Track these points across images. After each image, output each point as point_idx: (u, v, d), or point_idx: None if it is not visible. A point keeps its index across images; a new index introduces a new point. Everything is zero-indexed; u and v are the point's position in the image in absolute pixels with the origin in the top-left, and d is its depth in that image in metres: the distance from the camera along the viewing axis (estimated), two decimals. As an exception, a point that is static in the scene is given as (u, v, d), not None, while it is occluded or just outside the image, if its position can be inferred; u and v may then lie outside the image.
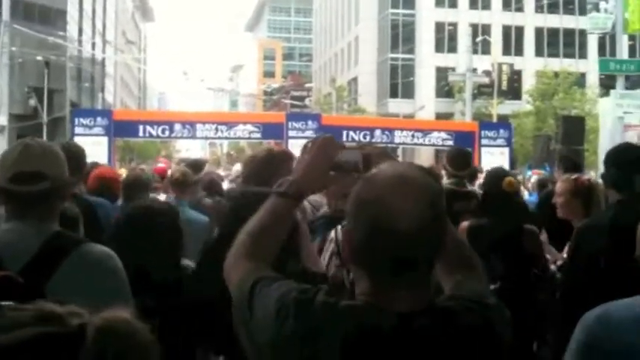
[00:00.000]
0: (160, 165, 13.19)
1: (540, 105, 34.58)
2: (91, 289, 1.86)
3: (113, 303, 1.82)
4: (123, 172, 16.03)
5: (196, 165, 6.46)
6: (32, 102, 35.38)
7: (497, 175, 4.73)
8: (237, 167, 8.88)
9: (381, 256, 1.28)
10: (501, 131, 19.89)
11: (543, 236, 4.39)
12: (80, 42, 53.54)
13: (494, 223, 4.08)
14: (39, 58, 36.76)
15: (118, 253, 2.10)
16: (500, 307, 1.43)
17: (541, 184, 8.93)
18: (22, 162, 1.97)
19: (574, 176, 4.11)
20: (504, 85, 38.64)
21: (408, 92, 52.07)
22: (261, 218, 1.61)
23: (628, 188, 3.10)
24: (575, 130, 17.12)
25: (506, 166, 16.05)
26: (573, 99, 34.60)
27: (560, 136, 17.21)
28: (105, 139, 16.94)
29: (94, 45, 60.58)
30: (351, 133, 18.78)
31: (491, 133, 19.56)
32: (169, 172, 6.36)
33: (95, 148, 17.04)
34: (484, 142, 19.42)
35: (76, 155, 3.73)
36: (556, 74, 36.38)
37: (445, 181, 5.10)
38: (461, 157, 5.19)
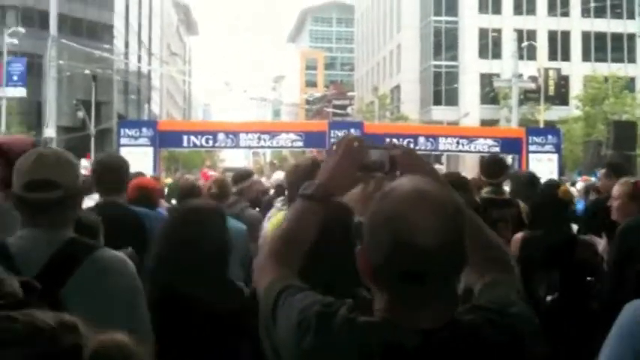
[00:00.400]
0: (209, 173, 13.33)
1: (590, 110, 33.65)
2: (105, 295, 1.91)
3: (125, 310, 1.83)
4: (168, 181, 16.14)
5: (242, 175, 6.26)
6: (80, 114, 36.19)
7: (551, 184, 4.75)
8: (278, 175, 8.68)
9: (401, 273, 1.27)
10: (550, 137, 19.41)
11: (603, 241, 4.22)
12: (126, 55, 54.64)
13: (548, 233, 3.97)
14: (87, 71, 37.64)
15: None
16: (527, 317, 1.39)
17: (586, 191, 8.65)
18: (36, 170, 1.99)
19: (633, 179, 4.02)
20: (551, 91, 37.81)
21: (452, 99, 51.54)
22: (289, 222, 1.63)
23: None
24: (626, 136, 16.63)
25: (555, 172, 15.62)
26: (624, 104, 33.61)
27: (611, 141, 16.73)
28: (150, 150, 17.14)
29: (139, 58, 61.76)
30: (395, 140, 18.56)
31: (539, 139, 19.10)
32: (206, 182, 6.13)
33: (141, 159, 17.35)
34: (532, 148, 18.98)
35: (117, 168, 3.87)
36: (606, 79, 35.34)
37: (484, 190, 5.05)
38: (494, 165, 5.13)
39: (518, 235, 4.06)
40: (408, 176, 1.43)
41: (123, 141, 17.39)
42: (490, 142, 19.46)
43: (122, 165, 3.97)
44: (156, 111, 70.77)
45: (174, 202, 6.08)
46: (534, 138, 19.17)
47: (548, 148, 19.13)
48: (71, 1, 44.35)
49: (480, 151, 19.92)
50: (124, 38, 56.10)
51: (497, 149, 20.11)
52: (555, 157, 18.86)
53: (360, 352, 1.25)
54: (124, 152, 17.53)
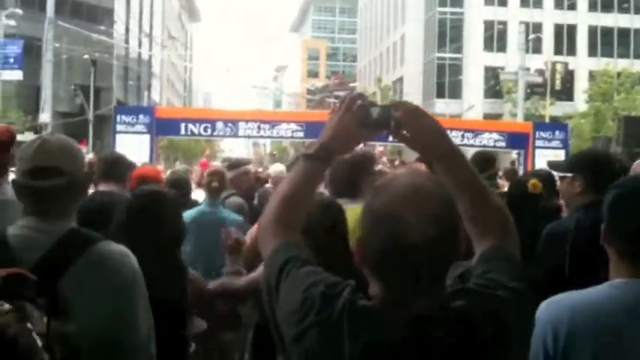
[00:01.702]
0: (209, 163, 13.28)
1: (600, 106, 33.09)
2: (101, 288, 1.88)
3: (121, 303, 1.90)
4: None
5: (232, 164, 6.19)
6: (78, 100, 35.68)
7: (521, 180, 4.58)
8: (277, 167, 8.50)
9: (395, 268, 1.31)
10: (557, 132, 18.96)
11: None
12: (127, 40, 54.05)
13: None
14: (86, 56, 37.09)
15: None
16: (514, 303, 1.37)
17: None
18: (39, 157, 1.94)
19: None
20: (557, 85, 37.24)
21: (456, 92, 51.01)
22: (292, 182, 1.62)
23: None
24: (637, 132, 16.07)
25: (563, 169, 15.10)
26: (635, 100, 33.07)
27: (621, 137, 16.20)
28: (147, 137, 16.70)
29: (140, 43, 61.16)
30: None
31: (546, 134, 18.67)
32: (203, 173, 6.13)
33: (137, 146, 16.87)
34: (538, 143, 18.53)
35: (114, 163, 4.13)
36: (618, 74, 34.77)
37: None
38: (478, 161, 5.25)
39: None
40: (404, 170, 1.48)
41: (119, 127, 16.93)
42: (496, 136, 19.00)
43: (120, 157, 4.25)
44: (156, 98, 70.26)
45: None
46: (541, 133, 18.73)
47: (555, 144, 18.70)
48: (72, -16, 43.77)
49: (485, 146, 19.41)
50: (125, 24, 55.46)
51: (502, 144, 19.66)
52: (562, 153, 18.33)
53: (354, 335, 1.29)
54: (120, 139, 17.07)
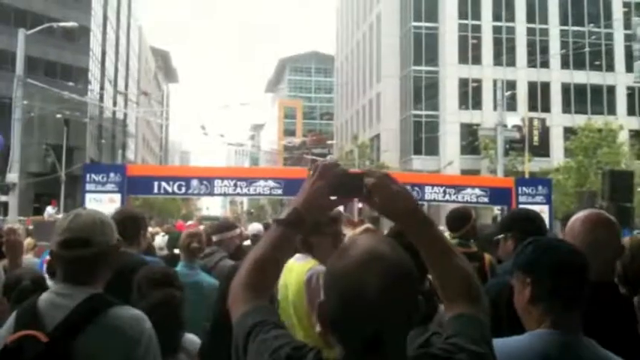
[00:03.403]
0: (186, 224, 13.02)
1: (583, 160, 33.26)
2: (113, 349, 2.02)
3: None
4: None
5: (226, 226, 5.99)
6: (50, 159, 34.92)
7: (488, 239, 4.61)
8: (255, 227, 8.07)
9: (351, 329, 1.33)
10: (540, 187, 18.66)
11: None
12: (101, 99, 53.66)
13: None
14: (58, 115, 36.52)
15: None
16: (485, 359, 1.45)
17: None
18: (71, 229, 2.15)
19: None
20: (535, 141, 37.38)
21: (432, 149, 51.11)
22: (263, 247, 1.66)
23: None
24: (622, 186, 15.76)
25: (547, 225, 14.71)
26: (618, 154, 33.31)
27: (607, 192, 15.88)
28: (118, 197, 16.02)
29: (115, 102, 60.83)
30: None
31: (529, 190, 18.37)
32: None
33: (108, 206, 16.13)
34: (521, 199, 18.19)
35: (130, 222, 3.96)
36: (599, 130, 35.17)
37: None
38: (452, 219, 5.26)
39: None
40: (365, 236, 1.49)
41: (89, 187, 16.21)
42: (478, 191, 18.63)
43: (136, 216, 4.12)
44: (131, 157, 69.58)
45: (176, 251, 5.75)
46: (524, 188, 18.42)
47: (538, 199, 18.35)
48: (46, 44, 43.49)
49: (467, 202, 18.97)
50: (99, 82, 55.18)
51: (485, 199, 19.26)
52: (547, 208, 18.02)
53: None
54: (90, 198, 16.29)
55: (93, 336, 2.01)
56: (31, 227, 15.22)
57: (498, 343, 1.83)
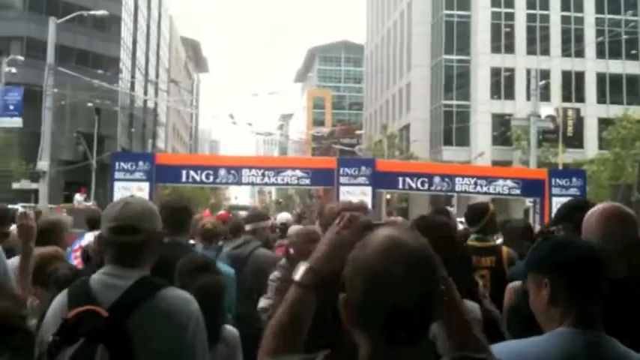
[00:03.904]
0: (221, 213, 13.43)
1: (620, 152, 32.48)
2: (165, 327, 2.17)
3: (182, 341, 2.22)
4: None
5: (259, 215, 6.17)
6: (81, 147, 35.25)
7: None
8: (283, 216, 8.00)
9: (376, 317, 1.32)
10: (574, 179, 18.27)
11: None
12: (133, 87, 54.09)
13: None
14: (90, 104, 36.82)
15: None
16: None
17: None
18: (120, 217, 2.31)
19: None
20: (569, 132, 36.59)
21: (463, 140, 50.49)
22: (284, 312, 1.67)
23: None
24: (661, 179, 15.27)
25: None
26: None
27: (643, 184, 15.39)
28: (146, 185, 16.02)
29: (145, 91, 61.25)
30: (408, 179, 17.41)
31: (562, 182, 18.01)
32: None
33: (137, 194, 16.16)
34: (555, 191, 17.84)
35: (184, 212, 4.20)
36: (638, 121, 34.28)
37: (470, 237, 5.20)
38: (470, 213, 5.28)
39: (511, 285, 3.73)
40: (386, 227, 1.47)
41: (117, 175, 16.31)
42: (510, 183, 18.31)
43: (186, 206, 4.29)
44: (161, 146, 70.10)
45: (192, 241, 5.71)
46: (557, 180, 18.05)
47: (572, 191, 17.98)
48: (77, 33, 43.88)
49: (499, 193, 18.70)
50: (130, 72, 55.59)
51: (517, 192, 18.87)
52: (580, 200, 17.68)
53: None
54: (118, 187, 16.34)
55: (146, 315, 2.15)
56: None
57: (520, 344, 1.89)
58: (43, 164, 20.50)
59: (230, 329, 3.25)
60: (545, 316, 1.95)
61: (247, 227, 5.65)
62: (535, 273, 1.99)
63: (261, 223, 5.79)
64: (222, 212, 14.31)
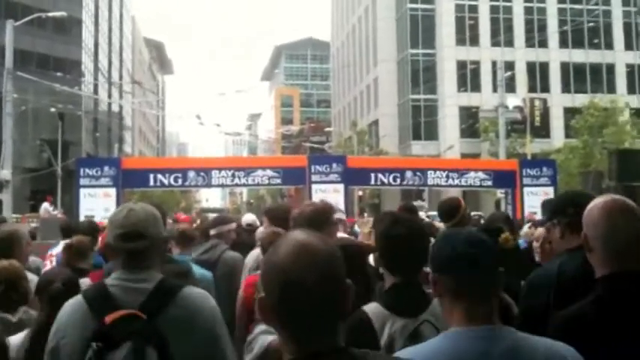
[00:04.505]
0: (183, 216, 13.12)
1: (588, 139, 32.90)
2: (191, 325, 2.25)
3: (210, 338, 2.32)
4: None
5: (223, 219, 6.19)
6: (45, 155, 34.42)
7: (491, 231, 4.42)
8: (249, 217, 7.79)
9: (293, 312, 1.42)
10: (544, 169, 18.40)
11: None
12: (96, 91, 53.11)
13: None
14: (52, 109, 35.96)
15: None
16: None
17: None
18: (127, 224, 2.35)
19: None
20: (537, 122, 36.91)
21: (432, 133, 50.64)
22: None
23: None
24: (631, 166, 15.32)
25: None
26: (623, 132, 32.90)
27: (615, 172, 15.46)
28: (113, 191, 15.62)
29: (110, 95, 60.24)
30: (380, 175, 17.36)
31: (533, 172, 18.10)
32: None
33: (102, 201, 15.69)
34: (526, 181, 17.94)
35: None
36: (605, 109, 34.82)
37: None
38: (443, 211, 5.32)
39: None
40: (296, 231, 1.56)
41: (83, 181, 15.92)
42: (482, 175, 18.38)
43: (163, 211, 4.20)
44: (128, 151, 69.07)
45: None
46: (528, 170, 18.16)
47: (543, 180, 18.11)
48: (36, 36, 42.87)
49: (471, 186, 18.74)
50: (93, 75, 54.58)
51: (489, 183, 18.93)
52: (551, 190, 17.75)
53: None
54: (84, 193, 15.92)
55: (174, 314, 2.23)
56: (34, 225, 14.72)
57: (418, 347, 1.88)
58: (6, 173, 19.88)
59: None
60: (447, 314, 1.94)
61: (212, 232, 5.75)
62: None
63: (225, 226, 5.87)
64: (184, 216, 14.05)
